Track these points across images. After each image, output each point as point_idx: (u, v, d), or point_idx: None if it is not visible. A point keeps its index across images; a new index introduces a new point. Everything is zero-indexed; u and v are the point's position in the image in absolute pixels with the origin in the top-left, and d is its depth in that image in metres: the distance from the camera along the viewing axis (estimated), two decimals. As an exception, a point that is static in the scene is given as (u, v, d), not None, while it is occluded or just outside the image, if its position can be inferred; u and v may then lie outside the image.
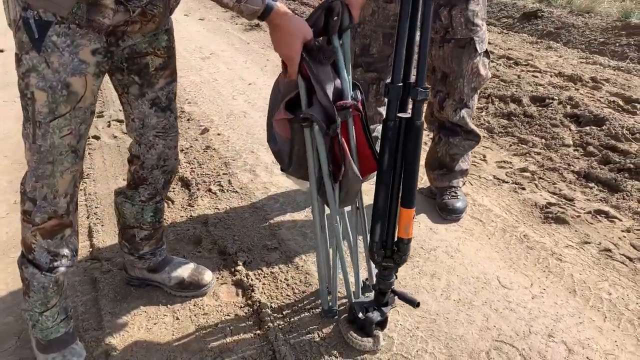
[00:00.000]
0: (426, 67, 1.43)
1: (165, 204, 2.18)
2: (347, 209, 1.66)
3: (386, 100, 1.48)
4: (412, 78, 1.47)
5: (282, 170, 1.62)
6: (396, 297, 1.65)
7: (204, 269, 1.86)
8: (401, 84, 1.45)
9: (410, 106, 1.48)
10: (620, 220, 2.24)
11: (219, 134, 3.16)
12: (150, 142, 1.59)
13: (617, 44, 4.70)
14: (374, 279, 1.63)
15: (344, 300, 1.76)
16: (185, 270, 1.82)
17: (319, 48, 1.40)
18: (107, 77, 1.49)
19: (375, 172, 1.54)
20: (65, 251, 1.47)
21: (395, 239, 1.55)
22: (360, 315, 1.60)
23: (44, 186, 1.36)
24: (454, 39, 2.02)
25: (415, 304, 1.58)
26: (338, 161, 1.50)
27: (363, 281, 1.78)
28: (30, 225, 1.41)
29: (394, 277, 1.60)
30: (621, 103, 3.37)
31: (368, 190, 1.79)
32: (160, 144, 1.60)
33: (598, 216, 2.27)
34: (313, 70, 1.39)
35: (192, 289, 1.81)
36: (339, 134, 1.45)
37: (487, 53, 2.08)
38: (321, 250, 1.65)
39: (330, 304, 1.73)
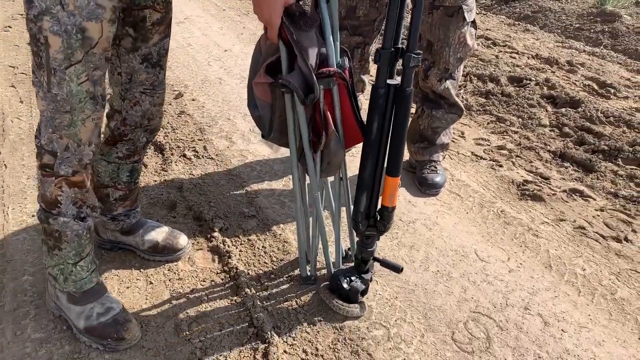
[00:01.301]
0: (418, 32, 1.38)
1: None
2: (330, 179, 1.62)
3: (373, 66, 1.42)
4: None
5: (262, 137, 1.56)
6: (376, 265, 1.64)
7: (179, 233, 1.80)
8: (392, 49, 1.39)
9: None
10: (595, 199, 2.28)
11: (193, 100, 3.06)
12: (136, 99, 1.51)
13: (592, 30, 4.75)
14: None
15: (323, 271, 1.73)
16: (159, 234, 1.76)
17: (300, 14, 1.32)
18: None
19: (357, 144, 1.50)
20: (90, 200, 1.42)
21: (379, 207, 1.52)
22: (346, 286, 1.57)
23: (62, 137, 1.28)
24: (443, 6, 1.98)
25: (399, 269, 1.57)
26: (319, 130, 1.44)
27: (345, 251, 1.75)
28: (52, 178, 1.33)
29: (376, 245, 1.58)
30: (596, 87, 3.41)
31: (349, 161, 1.75)
32: (146, 101, 1.52)
33: (573, 195, 2.30)
34: (294, 36, 1.32)
35: (166, 253, 1.75)
36: (320, 102, 1.39)
37: (474, 23, 2.05)
38: (301, 219, 1.61)
39: (309, 272, 1.70)
